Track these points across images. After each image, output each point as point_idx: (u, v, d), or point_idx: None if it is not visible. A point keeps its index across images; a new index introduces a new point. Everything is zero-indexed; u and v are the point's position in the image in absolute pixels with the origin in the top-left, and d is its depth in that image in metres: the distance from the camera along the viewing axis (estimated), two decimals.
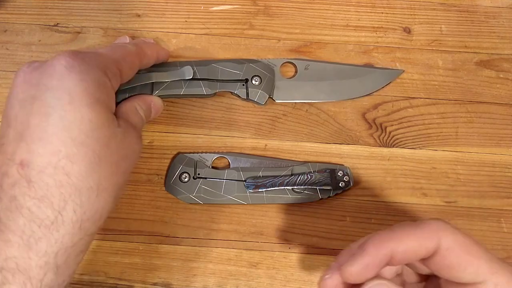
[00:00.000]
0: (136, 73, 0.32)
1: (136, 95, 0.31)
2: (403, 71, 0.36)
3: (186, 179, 0.32)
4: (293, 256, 0.32)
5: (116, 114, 0.28)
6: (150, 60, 0.31)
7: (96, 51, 0.27)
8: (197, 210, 0.33)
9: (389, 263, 0.21)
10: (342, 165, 0.34)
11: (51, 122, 0.23)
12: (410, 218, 0.33)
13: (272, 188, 0.32)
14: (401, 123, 0.35)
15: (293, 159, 0.34)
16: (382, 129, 0.35)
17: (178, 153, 0.34)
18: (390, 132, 0.35)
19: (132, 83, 0.32)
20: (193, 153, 0.34)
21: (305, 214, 0.33)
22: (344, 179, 0.33)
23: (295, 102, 0.35)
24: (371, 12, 0.37)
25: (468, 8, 0.38)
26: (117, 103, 0.30)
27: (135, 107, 0.30)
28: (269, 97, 0.34)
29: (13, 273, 0.21)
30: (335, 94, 0.35)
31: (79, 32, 0.36)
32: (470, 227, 0.33)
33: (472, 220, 0.33)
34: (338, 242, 0.33)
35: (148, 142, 0.34)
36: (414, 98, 0.36)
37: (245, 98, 0.34)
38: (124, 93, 0.32)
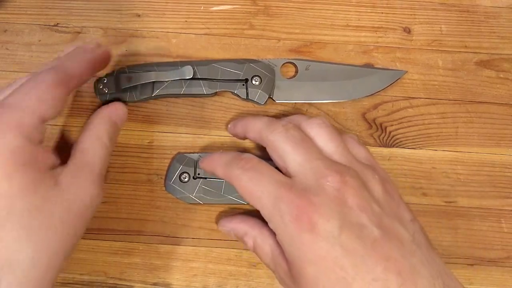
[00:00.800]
0: (137, 72, 0.33)
1: (102, 107, 0.30)
2: (406, 72, 0.36)
3: (186, 179, 0.32)
4: None
5: (73, 150, 0.26)
6: (82, 78, 0.27)
7: (8, 104, 0.23)
8: (197, 210, 0.33)
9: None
10: None
11: None
12: None
13: None
14: (401, 123, 0.35)
15: None
16: (382, 129, 0.35)
17: (178, 153, 0.34)
18: (390, 132, 0.35)
19: (133, 83, 0.32)
20: (193, 153, 0.33)
21: None
22: None
23: (295, 102, 0.35)
24: (371, 12, 0.37)
25: (468, 8, 0.38)
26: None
27: (97, 137, 0.27)
28: (269, 97, 0.34)
29: None
30: (336, 94, 0.35)
31: (79, 32, 0.36)
32: (470, 227, 0.33)
33: (472, 220, 0.33)
34: None
35: (148, 142, 0.34)
36: (414, 98, 0.36)
37: (245, 98, 0.34)
38: (125, 92, 0.33)
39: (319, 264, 0.23)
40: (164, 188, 0.33)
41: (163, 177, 0.33)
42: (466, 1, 0.38)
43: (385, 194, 0.26)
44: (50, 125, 0.34)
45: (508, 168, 0.34)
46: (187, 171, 0.33)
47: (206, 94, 0.33)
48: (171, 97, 0.34)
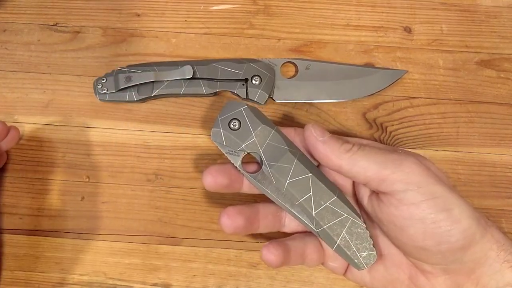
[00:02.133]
0: (137, 72, 0.33)
1: None
2: (406, 71, 0.36)
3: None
4: None
5: None
6: None
7: None
8: (197, 210, 0.33)
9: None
10: None
11: None
12: None
13: None
14: (401, 123, 0.35)
15: None
16: (382, 129, 0.35)
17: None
18: (390, 132, 0.35)
19: (132, 83, 0.32)
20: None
21: None
22: None
23: (295, 102, 0.35)
24: (371, 12, 0.37)
25: (468, 8, 0.38)
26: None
27: None
28: (269, 97, 0.34)
29: None
30: (337, 94, 0.34)
31: (78, 32, 0.36)
32: None
33: None
34: None
35: (148, 142, 0.34)
36: (414, 98, 0.35)
37: (245, 97, 0.34)
38: (125, 92, 0.33)
39: None
40: (163, 188, 0.33)
41: (163, 177, 0.33)
42: (466, 1, 0.38)
43: None
44: (50, 125, 0.34)
45: (509, 168, 0.34)
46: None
47: (206, 94, 0.33)
48: (170, 97, 0.34)
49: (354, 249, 0.27)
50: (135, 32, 0.36)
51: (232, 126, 0.28)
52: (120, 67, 0.34)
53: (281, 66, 0.35)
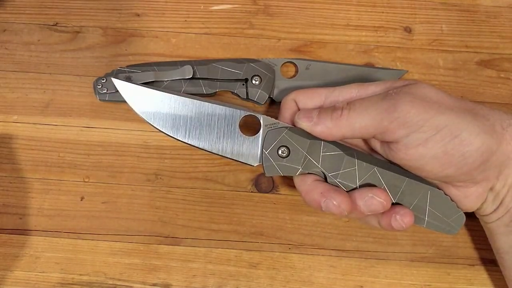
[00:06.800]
0: (136, 72, 0.32)
1: None
2: (407, 71, 0.35)
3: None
4: (293, 256, 0.32)
5: None
6: None
7: None
8: (197, 210, 0.33)
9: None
10: None
11: None
12: None
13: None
14: None
15: None
16: None
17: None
18: None
19: (133, 82, 0.32)
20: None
21: (306, 214, 0.33)
22: None
23: None
24: (371, 12, 0.37)
25: (469, 8, 0.38)
26: None
27: None
28: (269, 97, 0.34)
29: None
30: None
31: (78, 32, 0.36)
32: (471, 227, 0.33)
33: (473, 220, 0.33)
34: (338, 242, 0.33)
35: (148, 142, 0.34)
36: None
37: (245, 98, 0.34)
38: None
39: None
40: (162, 188, 0.33)
41: (162, 177, 0.33)
42: (467, 1, 0.38)
43: None
44: (49, 125, 0.34)
45: None
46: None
47: (206, 94, 0.33)
48: None
49: (443, 218, 0.27)
50: (135, 32, 0.36)
51: (281, 153, 0.28)
52: (120, 67, 0.34)
53: (281, 66, 0.35)
